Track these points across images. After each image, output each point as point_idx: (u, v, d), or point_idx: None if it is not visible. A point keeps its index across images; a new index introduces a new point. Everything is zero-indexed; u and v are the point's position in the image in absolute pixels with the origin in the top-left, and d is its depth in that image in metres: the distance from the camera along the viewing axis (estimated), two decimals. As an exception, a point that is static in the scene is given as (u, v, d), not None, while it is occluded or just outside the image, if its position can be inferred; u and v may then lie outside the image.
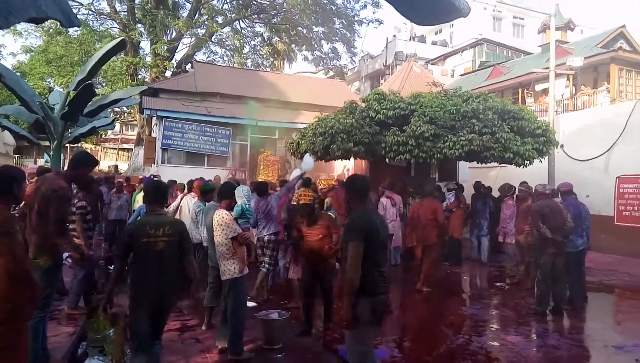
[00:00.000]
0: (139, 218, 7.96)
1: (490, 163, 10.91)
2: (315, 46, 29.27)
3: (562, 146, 13.47)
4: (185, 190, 8.33)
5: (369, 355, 3.43)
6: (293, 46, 29.81)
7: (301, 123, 14.74)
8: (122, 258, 3.65)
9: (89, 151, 32.07)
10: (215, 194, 7.16)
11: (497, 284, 8.80)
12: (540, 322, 6.38)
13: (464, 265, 10.51)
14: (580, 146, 13.91)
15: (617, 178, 12.34)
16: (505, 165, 11.46)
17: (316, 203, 8.05)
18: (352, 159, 12.58)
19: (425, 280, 7.88)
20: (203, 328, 5.54)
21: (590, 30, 29.51)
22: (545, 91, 17.08)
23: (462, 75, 26.81)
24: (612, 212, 12.30)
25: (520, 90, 19.83)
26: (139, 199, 8.87)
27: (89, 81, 10.81)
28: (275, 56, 30.92)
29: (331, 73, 31.04)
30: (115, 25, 26.33)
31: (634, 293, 8.17)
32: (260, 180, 11.71)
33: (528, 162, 10.42)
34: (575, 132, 14.38)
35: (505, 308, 7.28)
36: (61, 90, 18.32)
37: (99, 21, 26.43)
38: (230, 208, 4.89)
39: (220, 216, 4.64)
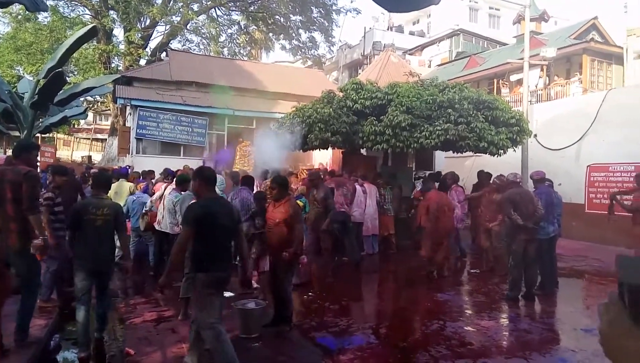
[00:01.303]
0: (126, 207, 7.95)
1: (465, 152, 11.06)
2: (293, 35, 29.03)
3: (535, 135, 13.75)
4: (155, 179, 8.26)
5: (211, 324, 3.77)
6: (270, 34, 29.51)
7: (279, 113, 14.65)
8: (71, 229, 4.60)
9: (61, 141, 31.21)
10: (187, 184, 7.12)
11: (472, 271, 8.96)
12: (512, 307, 6.54)
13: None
14: (553, 136, 14.21)
15: (587, 166, 12.68)
16: (480, 154, 11.63)
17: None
18: (330, 149, 12.60)
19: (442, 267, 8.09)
20: (179, 318, 5.51)
21: (564, 21, 29.99)
22: (520, 82, 17.34)
23: (439, 65, 27.01)
24: (583, 200, 12.64)
25: (495, 80, 20.09)
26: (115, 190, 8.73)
27: (60, 69, 10.49)
28: (253, 44, 30.58)
29: (309, 63, 30.88)
30: (87, 11, 25.60)
31: (603, 279, 8.43)
32: (235, 170, 11.64)
33: (502, 151, 10.60)
34: (548, 122, 14.68)
35: (479, 294, 7.43)
36: (31, 78, 17.80)
37: (70, 7, 25.65)
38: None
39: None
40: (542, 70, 17.61)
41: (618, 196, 7.66)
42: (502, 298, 6.94)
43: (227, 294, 5.89)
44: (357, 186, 9.64)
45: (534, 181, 7.51)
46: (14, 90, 12.22)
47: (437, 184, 9.67)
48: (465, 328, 5.58)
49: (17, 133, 11.64)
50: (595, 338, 4.21)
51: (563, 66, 18.40)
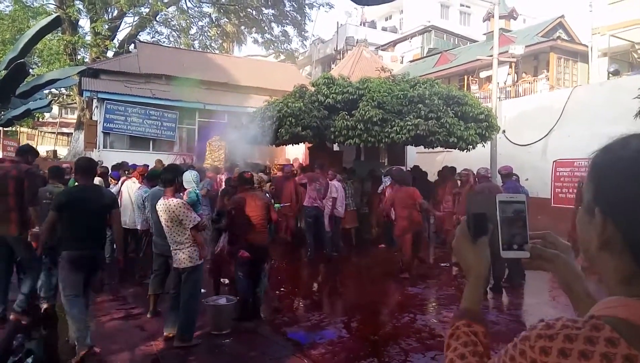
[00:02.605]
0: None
1: (436, 147, 11.20)
2: (266, 28, 28.76)
3: (504, 131, 14.02)
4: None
5: (67, 296, 4.26)
6: (242, 27, 29.17)
7: (251, 107, 14.50)
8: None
9: (24, 134, 30.13)
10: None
11: (442, 264, 9.08)
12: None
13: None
14: (521, 131, 14.52)
15: (554, 161, 13.00)
16: (450, 150, 11.80)
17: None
18: (302, 144, 12.58)
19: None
20: (148, 316, 5.41)
21: (532, 19, 30.68)
22: (489, 78, 17.66)
23: (411, 61, 27.25)
24: (549, 194, 12.97)
25: (465, 77, 20.40)
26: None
27: (22, 60, 10.11)
28: (224, 37, 30.15)
29: (282, 57, 30.68)
30: (51, 1, 24.76)
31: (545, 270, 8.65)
32: (206, 165, 11.48)
33: (471, 146, 10.77)
34: (516, 118, 14.99)
35: (449, 287, 7.54)
36: (-9, 69, 17.10)
37: (34, -4, 24.79)
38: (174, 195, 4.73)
39: (175, 204, 4.48)
40: (510, 67, 17.97)
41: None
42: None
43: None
44: (335, 182, 9.58)
45: (502, 176, 7.67)
46: (-27, 81, 11.70)
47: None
48: (435, 320, 5.65)
49: (-24, 126, 11.19)
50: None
51: (531, 63, 18.82)
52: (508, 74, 18.12)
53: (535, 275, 8.27)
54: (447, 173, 10.53)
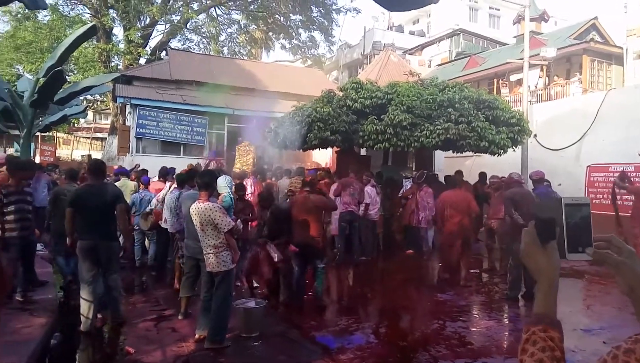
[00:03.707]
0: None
1: (465, 151, 11.06)
2: (293, 34, 29.02)
3: (535, 135, 13.74)
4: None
5: (83, 279, 5.02)
6: (270, 34, 29.50)
7: (279, 112, 14.63)
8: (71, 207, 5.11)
9: (61, 139, 31.14)
10: (191, 182, 7.08)
11: (471, 271, 8.94)
12: (512, 307, 6.54)
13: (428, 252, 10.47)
14: (553, 136, 14.21)
15: (587, 166, 12.66)
16: (480, 154, 11.63)
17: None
18: (329, 148, 12.61)
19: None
20: (179, 317, 5.50)
21: (564, 21, 30.00)
22: (519, 82, 17.34)
23: (439, 65, 27.00)
24: (583, 200, 12.61)
25: (495, 80, 20.09)
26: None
27: (59, 68, 10.48)
28: (253, 44, 30.55)
29: (309, 62, 30.87)
30: (87, 10, 25.58)
31: (602, 278, 8.41)
32: (236, 169, 11.63)
33: (502, 151, 10.60)
34: (548, 122, 14.68)
35: (479, 294, 7.43)
36: (30, 77, 17.75)
37: (70, 6, 25.65)
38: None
39: (211, 208, 4.55)
40: (542, 70, 17.62)
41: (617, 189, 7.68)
42: (502, 298, 6.95)
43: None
44: (369, 187, 9.57)
45: (533, 181, 7.51)
46: (13, 89, 12.20)
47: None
48: (465, 327, 5.58)
49: (16, 132, 11.62)
50: (595, 339, 4.25)
51: (563, 66, 18.41)
52: (539, 77, 17.76)
53: (569, 283, 8.09)
54: (458, 178, 10.41)
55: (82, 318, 4.96)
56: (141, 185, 8.74)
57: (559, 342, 0.97)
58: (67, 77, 14.25)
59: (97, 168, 5.31)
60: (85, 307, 4.97)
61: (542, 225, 1.07)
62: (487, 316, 6.09)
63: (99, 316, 5.28)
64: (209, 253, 4.64)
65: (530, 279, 6.73)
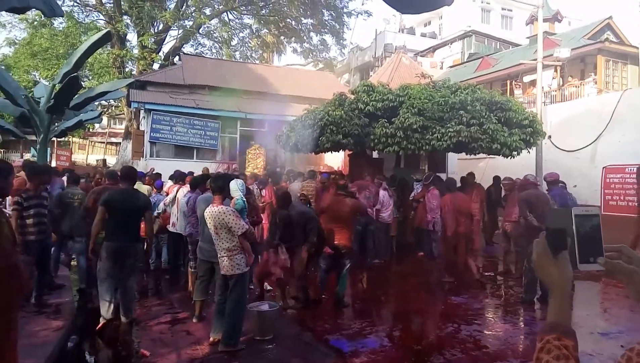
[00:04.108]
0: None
1: (478, 154, 10.99)
2: (304, 37, 29.12)
3: (549, 136, 13.61)
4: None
5: (102, 277, 5.25)
6: (282, 37, 29.63)
7: (291, 116, 14.68)
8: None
9: (76, 144, 31.54)
10: (204, 186, 7.14)
11: (485, 274, 8.88)
12: (528, 310, 6.47)
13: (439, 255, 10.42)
14: (567, 137, 14.06)
15: (603, 168, 12.51)
16: (493, 156, 11.55)
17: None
18: (341, 151, 12.62)
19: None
20: (194, 320, 5.54)
21: (578, 21, 29.71)
22: (533, 83, 17.20)
23: (451, 67, 26.90)
24: (599, 202, 12.46)
25: (508, 81, 19.95)
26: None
27: (75, 74, 10.65)
28: (264, 48, 30.70)
29: (320, 65, 30.94)
30: (101, 17, 25.96)
31: (619, 282, 8.29)
32: (247, 173, 11.68)
33: (516, 153, 10.51)
34: (562, 123, 14.53)
35: (493, 297, 7.37)
36: (47, 83, 18.05)
37: (85, 13, 26.05)
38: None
39: (224, 212, 4.59)
40: (555, 71, 17.46)
41: None
42: (517, 301, 6.88)
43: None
44: (381, 190, 9.56)
45: (548, 183, 7.44)
46: (30, 95, 12.41)
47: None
48: (480, 331, 5.53)
49: (33, 137, 11.82)
50: (612, 342, 4.20)
51: (577, 66, 18.22)
52: (553, 78, 17.60)
53: (585, 286, 7.98)
54: (470, 179, 10.34)
55: (102, 315, 5.20)
56: (154, 189, 8.82)
57: (574, 351, 0.98)
58: (82, 83, 14.44)
59: (128, 173, 5.58)
60: (104, 306, 5.20)
61: (553, 236, 1.09)
62: (502, 320, 6.04)
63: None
64: (222, 256, 4.67)
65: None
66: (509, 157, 10.59)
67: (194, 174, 8.55)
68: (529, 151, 11.24)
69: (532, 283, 6.65)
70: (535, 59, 14.61)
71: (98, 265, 5.38)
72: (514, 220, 8.03)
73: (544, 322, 1.10)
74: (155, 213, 8.10)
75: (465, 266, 7.85)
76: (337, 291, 6.36)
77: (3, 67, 20.64)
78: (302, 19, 27.94)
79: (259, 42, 30.12)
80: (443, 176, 11.99)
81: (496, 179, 11.03)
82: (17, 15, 24.35)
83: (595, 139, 13.29)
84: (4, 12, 24.71)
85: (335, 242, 6.25)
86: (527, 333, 5.59)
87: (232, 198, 5.81)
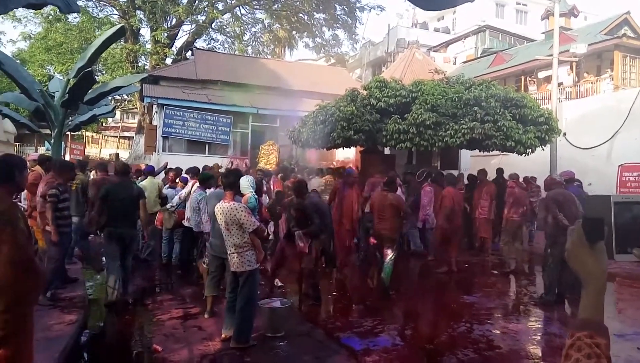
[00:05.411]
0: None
1: (492, 151, 10.87)
2: (317, 32, 29.07)
3: (564, 134, 13.42)
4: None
5: (108, 258, 6.05)
6: (294, 32, 29.57)
7: (302, 111, 14.65)
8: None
9: (90, 138, 31.79)
10: (214, 182, 7.16)
11: (493, 271, 8.80)
12: (542, 310, 6.39)
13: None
14: (583, 134, 13.86)
15: (619, 166, 12.31)
16: (507, 153, 11.43)
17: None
18: (352, 147, 12.56)
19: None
20: (205, 316, 5.55)
21: (594, 17, 29.22)
22: (547, 79, 16.97)
23: (464, 62, 26.64)
24: (614, 200, 12.27)
25: (523, 77, 19.70)
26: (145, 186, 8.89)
27: (89, 69, 10.70)
28: (276, 43, 30.69)
29: (332, 60, 30.83)
30: (115, 12, 26.10)
31: (635, 282, 8.16)
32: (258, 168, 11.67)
33: (530, 150, 10.38)
34: (578, 120, 14.33)
35: (506, 296, 7.30)
36: (61, 77, 18.21)
37: (99, 8, 26.22)
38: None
39: (236, 208, 4.57)
40: (571, 67, 17.19)
41: None
42: (530, 300, 6.80)
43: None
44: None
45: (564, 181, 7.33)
46: (45, 89, 12.51)
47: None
48: (493, 331, 5.47)
49: (48, 131, 11.92)
50: (629, 344, 4.12)
51: (593, 62, 17.92)
52: (568, 74, 17.35)
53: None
54: (481, 176, 10.23)
55: (109, 290, 5.83)
56: (179, 183, 8.84)
57: (606, 350, 0.93)
58: (96, 77, 14.53)
59: (123, 168, 6.46)
60: (111, 279, 5.86)
61: (590, 224, 1.03)
62: (516, 320, 5.97)
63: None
64: (232, 253, 4.65)
65: (565, 281, 6.51)
66: (524, 154, 10.46)
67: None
68: (543, 149, 11.09)
69: (554, 283, 6.51)
70: (551, 55, 14.39)
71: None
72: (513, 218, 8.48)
73: (575, 317, 1.04)
74: (170, 206, 8.15)
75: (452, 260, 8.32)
76: (382, 280, 6.72)
77: (18, 61, 20.84)
78: (315, 13, 27.86)
79: (271, 37, 30.11)
80: (455, 172, 11.87)
81: (499, 171, 10.88)
82: (32, 10, 24.58)
83: (612, 137, 13.08)
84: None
85: (380, 231, 6.76)
86: (542, 334, 5.53)
87: (242, 194, 5.80)
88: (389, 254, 6.73)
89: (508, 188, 8.97)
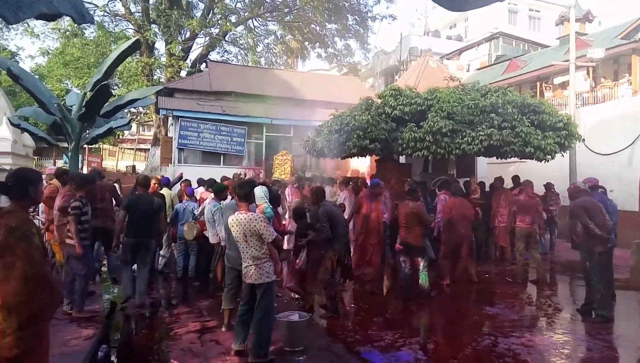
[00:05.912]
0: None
1: (510, 158, 10.69)
2: (329, 42, 29.12)
3: (583, 139, 13.17)
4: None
5: (123, 265, 6.53)
6: (306, 43, 29.69)
7: (316, 121, 14.61)
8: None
9: (106, 151, 32.19)
10: (228, 193, 7.13)
11: (507, 279, 8.59)
12: (569, 322, 6.20)
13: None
14: (602, 140, 13.60)
15: (641, 172, 12.00)
16: (525, 160, 11.23)
17: None
18: (367, 156, 12.45)
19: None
20: (222, 329, 5.47)
21: (609, 21, 28.85)
22: (563, 85, 16.74)
23: (478, 69, 26.46)
24: (637, 207, 11.96)
25: (538, 83, 19.48)
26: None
27: (105, 82, 10.80)
28: (289, 53, 30.83)
29: (345, 70, 30.86)
30: (130, 26, 26.50)
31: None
32: (274, 178, 11.64)
33: (550, 156, 10.18)
34: (596, 126, 14.07)
35: (529, 307, 7.11)
36: (78, 91, 18.47)
37: (114, 22, 26.65)
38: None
39: (254, 219, 4.50)
40: (587, 72, 16.94)
41: None
42: (555, 312, 6.61)
43: None
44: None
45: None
46: (62, 103, 12.65)
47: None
48: (518, 343, 5.28)
49: (65, 144, 12.03)
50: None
51: (610, 67, 17.65)
52: (585, 79, 17.09)
53: (627, 296, 7.62)
54: (498, 184, 10.03)
55: (123, 295, 6.43)
56: (186, 196, 8.82)
57: None
58: (112, 91, 14.68)
59: (145, 181, 6.83)
60: (126, 287, 6.41)
61: None
62: (541, 332, 5.79)
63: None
64: (250, 265, 4.56)
65: (590, 292, 6.26)
66: (543, 161, 10.26)
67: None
68: (562, 155, 10.88)
69: (607, 296, 6.19)
70: (567, 60, 14.19)
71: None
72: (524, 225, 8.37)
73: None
74: (190, 219, 8.12)
75: (464, 270, 8.16)
76: (420, 287, 7.09)
77: (37, 76, 21.19)
78: (327, 24, 27.96)
79: (283, 48, 30.27)
80: (462, 181, 11.65)
81: (515, 179, 10.72)
82: (49, 25, 25.05)
83: (633, 142, 12.80)
84: (38, 23, 25.43)
85: (406, 240, 6.96)
86: (570, 347, 5.33)
87: (257, 205, 5.75)
88: (421, 262, 7.09)
89: (512, 196, 8.84)
